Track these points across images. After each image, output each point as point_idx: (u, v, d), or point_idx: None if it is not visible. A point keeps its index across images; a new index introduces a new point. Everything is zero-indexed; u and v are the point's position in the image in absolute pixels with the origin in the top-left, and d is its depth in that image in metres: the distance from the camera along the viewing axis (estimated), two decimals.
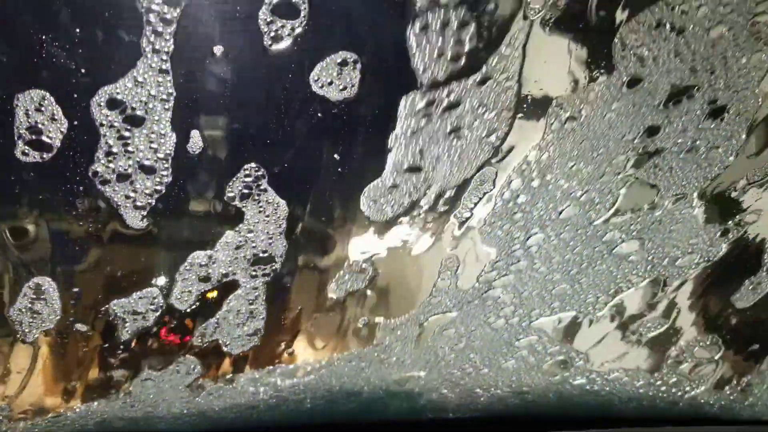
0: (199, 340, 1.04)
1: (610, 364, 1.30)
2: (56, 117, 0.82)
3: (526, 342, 1.23)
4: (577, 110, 1.00)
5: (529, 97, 0.98)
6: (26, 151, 0.83)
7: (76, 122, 0.82)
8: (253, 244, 0.99)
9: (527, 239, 1.11)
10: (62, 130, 0.82)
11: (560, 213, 1.09)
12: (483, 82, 0.95)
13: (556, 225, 1.10)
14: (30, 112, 0.81)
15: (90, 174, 0.85)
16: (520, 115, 0.99)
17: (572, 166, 1.05)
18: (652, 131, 1.04)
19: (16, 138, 0.82)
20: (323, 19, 0.85)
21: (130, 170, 0.86)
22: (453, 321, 1.18)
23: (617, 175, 1.07)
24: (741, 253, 1.21)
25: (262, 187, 0.95)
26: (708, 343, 1.30)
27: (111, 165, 0.85)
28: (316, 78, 0.88)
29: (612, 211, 1.10)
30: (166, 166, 0.87)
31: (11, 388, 1.01)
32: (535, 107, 0.99)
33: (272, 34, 0.84)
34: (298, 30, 0.85)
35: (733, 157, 1.08)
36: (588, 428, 1.33)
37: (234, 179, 0.93)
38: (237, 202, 0.95)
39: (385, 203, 1.02)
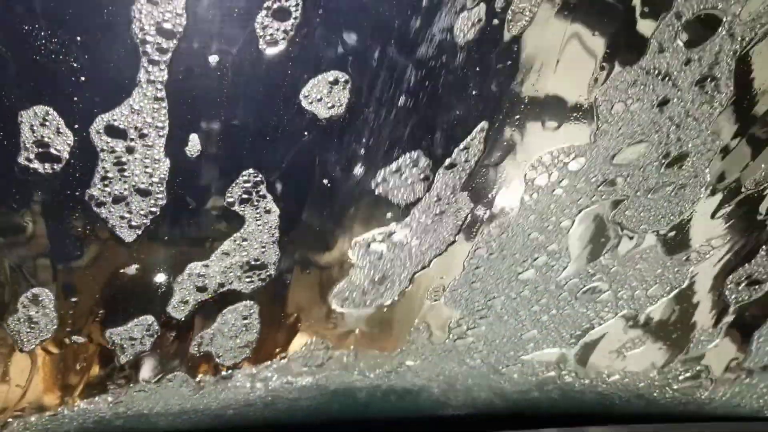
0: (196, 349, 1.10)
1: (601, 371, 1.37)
2: (61, 131, 0.85)
3: (512, 368, 1.32)
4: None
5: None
6: (30, 162, 0.86)
7: (77, 145, 0.87)
8: (245, 252, 1.03)
9: (489, 301, 1.19)
10: (69, 143, 0.86)
11: (518, 275, 1.17)
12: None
13: (515, 285, 1.19)
14: (35, 128, 0.84)
15: (86, 197, 0.89)
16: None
17: (529, 234, 1.13)
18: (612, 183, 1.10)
19: (21, 151, 0.86)
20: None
21: (126, 193, 0.90)
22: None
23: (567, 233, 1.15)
24: None
25: (261, 193, 0.99)
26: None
27: (107, 188, 0.88)
28: (306, 94, 0.91)
29: (569, 266, 1.18)
30: (161, 189, 0.91)
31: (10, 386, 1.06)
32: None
33: (267, 38, 0.87)
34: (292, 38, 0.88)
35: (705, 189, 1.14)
36: (589, 425, 1.37)
37: (233, 185, 0.97)
38: (236, 207, 0.99)
39: (350, 302, 1.12)
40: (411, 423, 1.37)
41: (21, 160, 0.86)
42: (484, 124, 1.00)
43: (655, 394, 1.42)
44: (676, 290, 1.27)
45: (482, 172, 1.05)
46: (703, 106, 1.04)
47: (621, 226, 1.16)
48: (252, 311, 1.08)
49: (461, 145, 1.01)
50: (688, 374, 1.39)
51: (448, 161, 1.02)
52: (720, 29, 0.97)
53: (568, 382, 1.36)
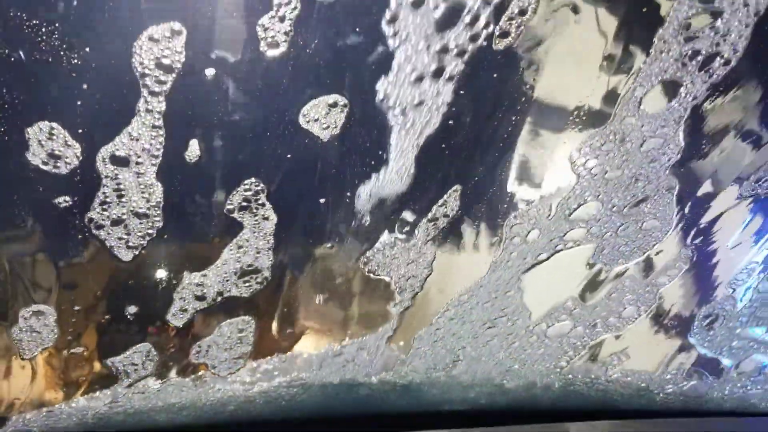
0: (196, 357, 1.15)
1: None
2: (69, 143, 0.90)
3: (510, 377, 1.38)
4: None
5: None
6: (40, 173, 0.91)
7: (80, 170, 0.91)
8: (240, 258, 1.08)
9: (461, 349, 1.27)
10: (78, 154, 0.91)
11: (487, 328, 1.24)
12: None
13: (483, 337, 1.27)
14: (43, 142, 0.89)
15: (86, 221, 0.93)
16: None
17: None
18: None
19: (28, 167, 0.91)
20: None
21: (125, 216, 0.95)
22: None
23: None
24: None
25: (260, 202, 1.03)
26: None
27: (105, 212, 0.93)
28: (305, 113, 0.95)
29: (533, 318, 1.26)
30: (157, 212, 0.96)
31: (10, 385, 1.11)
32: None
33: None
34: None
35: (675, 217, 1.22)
36: (591, 420, 1.42)
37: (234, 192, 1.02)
38: (235, 215, 1.03)
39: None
40: (412, 418, 1.39)
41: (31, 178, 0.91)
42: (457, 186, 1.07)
43: (655, 390, 1.47)
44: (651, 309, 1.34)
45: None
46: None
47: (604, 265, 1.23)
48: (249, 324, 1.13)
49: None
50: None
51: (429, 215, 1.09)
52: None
53: (569, 379, 1.41)
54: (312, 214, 1.06)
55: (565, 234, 1.19)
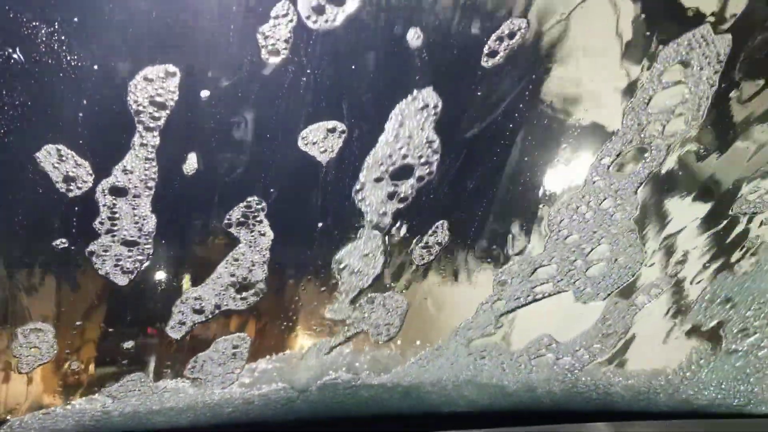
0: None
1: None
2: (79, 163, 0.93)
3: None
4: None
5: None
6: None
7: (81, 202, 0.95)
8: (236, 272, 1.11)
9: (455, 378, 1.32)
10: (89, 171, 0.94)
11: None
12: None
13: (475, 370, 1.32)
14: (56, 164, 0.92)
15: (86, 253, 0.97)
16: None
17: None
18: None
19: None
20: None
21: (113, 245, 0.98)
22: None
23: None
24: None
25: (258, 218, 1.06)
26: None
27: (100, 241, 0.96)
28: (304, 136, 0.98)
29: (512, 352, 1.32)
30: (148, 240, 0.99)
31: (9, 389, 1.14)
32: None
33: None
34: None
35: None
36: (593, 421, 1.44)
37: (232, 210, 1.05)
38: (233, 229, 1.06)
39: None
40: (412, 420, 1.42)
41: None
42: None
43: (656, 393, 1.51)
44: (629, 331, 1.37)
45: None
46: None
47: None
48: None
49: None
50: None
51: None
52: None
53: (572, 382, 1.44)
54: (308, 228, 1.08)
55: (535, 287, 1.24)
